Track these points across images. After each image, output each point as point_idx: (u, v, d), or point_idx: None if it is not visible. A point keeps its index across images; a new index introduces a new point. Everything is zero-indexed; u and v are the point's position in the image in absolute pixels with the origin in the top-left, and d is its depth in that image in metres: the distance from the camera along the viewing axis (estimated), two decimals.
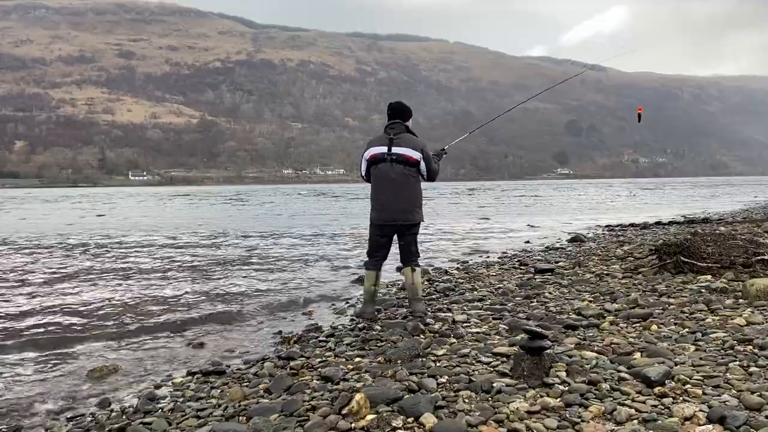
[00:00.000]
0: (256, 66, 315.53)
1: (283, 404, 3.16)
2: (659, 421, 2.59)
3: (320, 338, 4.82)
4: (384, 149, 4.98)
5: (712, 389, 2.93)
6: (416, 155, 5.02)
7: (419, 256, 5.31)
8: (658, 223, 15.48)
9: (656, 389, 2.95)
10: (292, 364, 4.03)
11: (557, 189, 65.81)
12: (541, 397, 2.97)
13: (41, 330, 5.70)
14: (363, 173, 5.18)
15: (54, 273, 9.33)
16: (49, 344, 5.20)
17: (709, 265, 6.15)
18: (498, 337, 4.32)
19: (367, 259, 5.30)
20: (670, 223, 15.47)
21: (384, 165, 4.98)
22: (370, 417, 2.83)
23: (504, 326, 4.58)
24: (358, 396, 2.93)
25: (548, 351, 3.32)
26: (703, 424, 2.55)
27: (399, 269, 5.31)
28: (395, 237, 5.23)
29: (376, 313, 5.40)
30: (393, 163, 4.97)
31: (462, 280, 7.29)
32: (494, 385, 3.15)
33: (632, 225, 15.53)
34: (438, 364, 3.65)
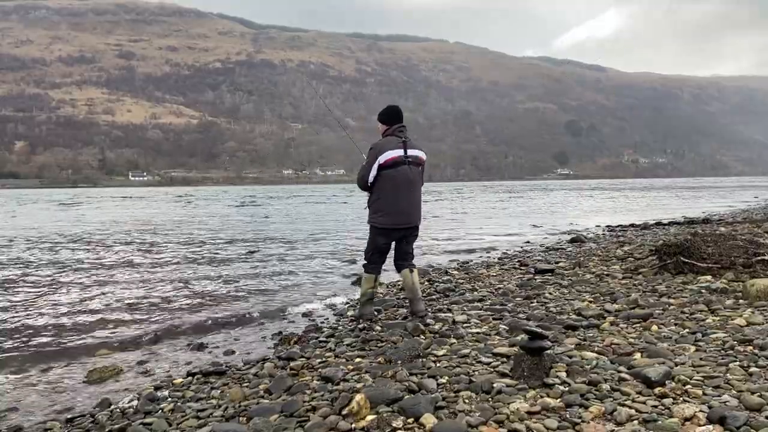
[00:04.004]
0: (256, 66, 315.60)
1: (283, 405, 3.16)
2: (659, 422, 2.59)
3: (320, 339, 4.82)
4: (401, 152, 4.90)
5: (713, 390, 2.93)
6: (424, 157, 5.10)
7: (414, 257, 5.33)
8: (658, 224, 15.49)
9: (656, 390, 2.95)
10: (292, 364, 4.03)
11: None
12: (542, 397, 2.96)
13: (41, 330, 5.71)
14: (371, 179, 4.94)
15: (54, 272, 9.33)
16: (50, 345, 5.21)
17: (710, 265, 6.15)
18: (498, 337, 4.31)
19: (366, 262, 5.23)
20: (671, 223, 15.48)
21: (403, 168, 4.90)
22: (370, 417, 2.83)
23: (504, 327, 4.58)
24: (358, 396, 2.93)
25: (548, 351, 3.32)
26: (704, 425, 2.54)
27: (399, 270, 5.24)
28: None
29: (375, 313, 5.40)
30: (410, 166, 4.95)
31: (462, 281, 7.29)
32: (494, 385, 3.15)
33: (632, 225, 15.54)
34: (438, 365, 3.65)
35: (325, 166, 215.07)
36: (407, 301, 5.46)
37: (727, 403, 2.74)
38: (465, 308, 5.46)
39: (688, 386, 2.96)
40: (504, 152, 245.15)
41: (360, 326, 5.08)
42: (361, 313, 5.33)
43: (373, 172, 4.90)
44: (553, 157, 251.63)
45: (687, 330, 4.14)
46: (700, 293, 5.35)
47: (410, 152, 4.94)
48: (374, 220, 5.06)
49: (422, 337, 4.46)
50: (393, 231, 5.03)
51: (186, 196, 58.40)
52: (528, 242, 12.73)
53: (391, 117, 5.06)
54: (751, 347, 3.58)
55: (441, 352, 3.93)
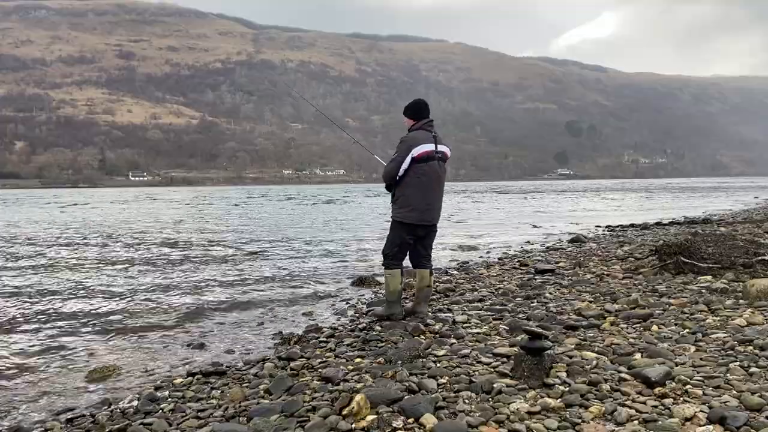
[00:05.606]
0: (256, 67, 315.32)
1: (283, 405, 3.16)
2: (660, 422, 2.59)
3: (320, 339, 4.81)
4: (432, 146, 4.83)
5: (713, 390, 2.94)
6: (450, 153, 5.06)
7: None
8: (658, 224, 15.49)
9: (657, 390, 2.95)
10: (292, 364, 4.03)
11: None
12: (542, 397, 2.97)
13: (41, 331, 5.71)
14: (401, 172, 4.82)
15: (51, 272, 9.33)
16: (50, 344, 5.21)
17: (710, 265, 6.15)
18: (498, 337, 4.32)
19: (388, 259, 5.06)
20: (671, 223, 15.48)
21: (433, 163, 4.84)
22: (370, 417, 2.83)
23: (504, 327, 4.58)
24: (358, 396, 2.93)
25: (549, 351, 3.32)
26: (704, 425, 2.55)
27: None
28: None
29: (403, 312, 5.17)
30: (439, 162, 4.91)
31: (462, 281, 7.30)
32: (495, 385, 3.15)
33: (632, 225, 15.53)
34: (438, 365, 3.66)
35: (325, 166, 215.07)
36: (411, 299, 5.42)
37: (727, 404, 2.74)
38: (465, 308, 5.46)
39: (689, 386, 2.97)
40: (504, 152, 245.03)
41: (360, 326, 5.08)
42: (390, 312, 5.12)
43: (404, 166, 4.80)
44: (553, 157, 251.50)
45: (687, 330, 4.14)
46: (701, 293, 5.35)
47: (440, 147, 4.89)
48: (401, 215, 4.91)
49: (422, 337, 4.46)
50: (419, 227, 4.94)
51: (159, 198, 58.36)
52: (528, 242, 12.72)
53: (419, 111, 4.99)
54: (751, 347, 3.58)
55: (441, 353, 3.93)
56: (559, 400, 2.91)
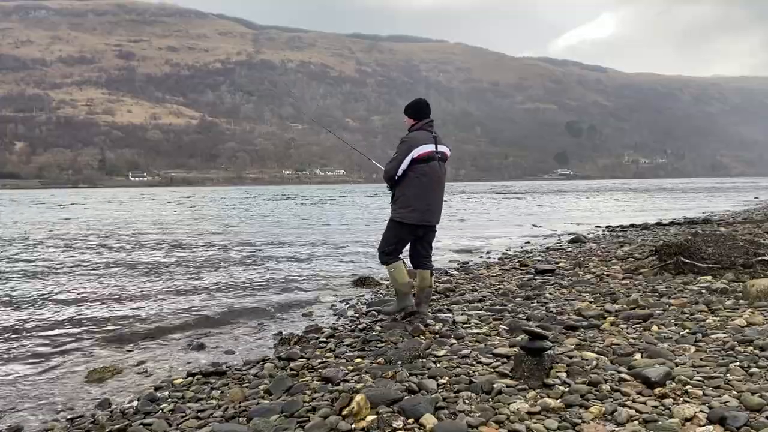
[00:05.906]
0: (256, 67, 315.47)
1: (283, 405, 3.16)
2: (660, 422, 2.59)
3: (320, 339, 4.81)
4: (433, 147, 4.82)
5: (713, 390, 2.93)
6: (449, 152, 5.04)
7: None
8: (658, 224, 15.49)
9: (657, 390, 2.95)
10: (292, 365, 4.03)
11: None
12: (542, 398, 2.97)
13: (42, 331, 5.70)
14: (399, 172, 4.82)
15: (54, 272, 9.33)
16: (50, 345, 5.21)
17: (710, 265, 6.15)
18: (498, 338, 4.32)
19: (386, 255, 5.02)
20: (671, 223, 15.48)
21: (434, 164, 4.83)
22: (370, 418, 2.83)
23: (504, 327, 4.58)
24: (358, 397, 2.93)
25: (549, 352, 3.32)
26: (704, 425, 2.55)
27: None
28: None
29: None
30: (439, 162, 4.90)
31: (462, 281, 7.30)
32: (495, 385, 3.15)
33: (632, 226, 15.53)
34: (438, 365, 3.65)
35: (325, 166, 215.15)
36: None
37: (727, 404, 2.74)
38: (465, 309, 5.46)
39: (689, 386, 2.97)
40: (504, 153, 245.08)
41: (360, 326, 5.08)
42: (404, 305, 5.09)
43: (404, 166, 4.79)
44: (553, 157, 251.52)
45: (687, 330, 4.14)
46: (701, 293, 5.35)
47: (440, 148, 4.89)
48: (401, 216, 4.89)
49: (422, 337, 4.45)
50: (419, 228, 4.93)
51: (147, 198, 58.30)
52: (528, 242, 12.72)
53: (420, 111, 4.97)
54: (751, 347, 3.59)
55: (441, 353, 3.93)
56: (559, 400, 2.91)
